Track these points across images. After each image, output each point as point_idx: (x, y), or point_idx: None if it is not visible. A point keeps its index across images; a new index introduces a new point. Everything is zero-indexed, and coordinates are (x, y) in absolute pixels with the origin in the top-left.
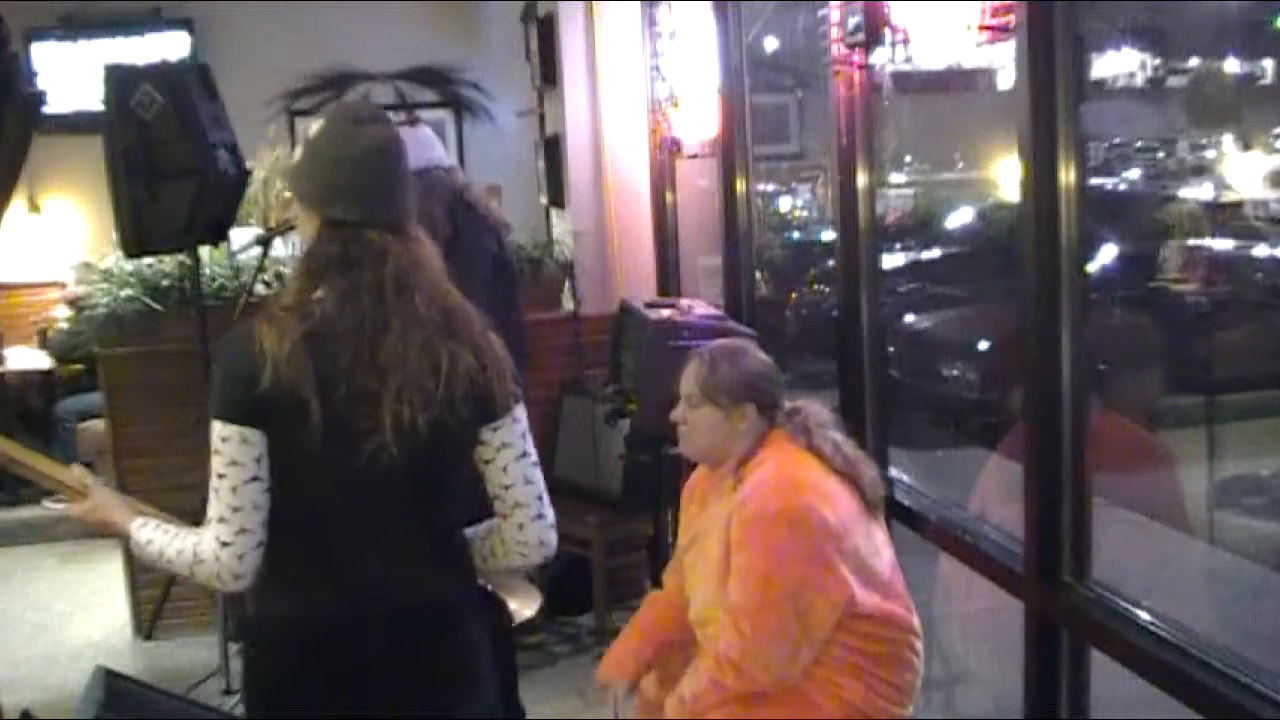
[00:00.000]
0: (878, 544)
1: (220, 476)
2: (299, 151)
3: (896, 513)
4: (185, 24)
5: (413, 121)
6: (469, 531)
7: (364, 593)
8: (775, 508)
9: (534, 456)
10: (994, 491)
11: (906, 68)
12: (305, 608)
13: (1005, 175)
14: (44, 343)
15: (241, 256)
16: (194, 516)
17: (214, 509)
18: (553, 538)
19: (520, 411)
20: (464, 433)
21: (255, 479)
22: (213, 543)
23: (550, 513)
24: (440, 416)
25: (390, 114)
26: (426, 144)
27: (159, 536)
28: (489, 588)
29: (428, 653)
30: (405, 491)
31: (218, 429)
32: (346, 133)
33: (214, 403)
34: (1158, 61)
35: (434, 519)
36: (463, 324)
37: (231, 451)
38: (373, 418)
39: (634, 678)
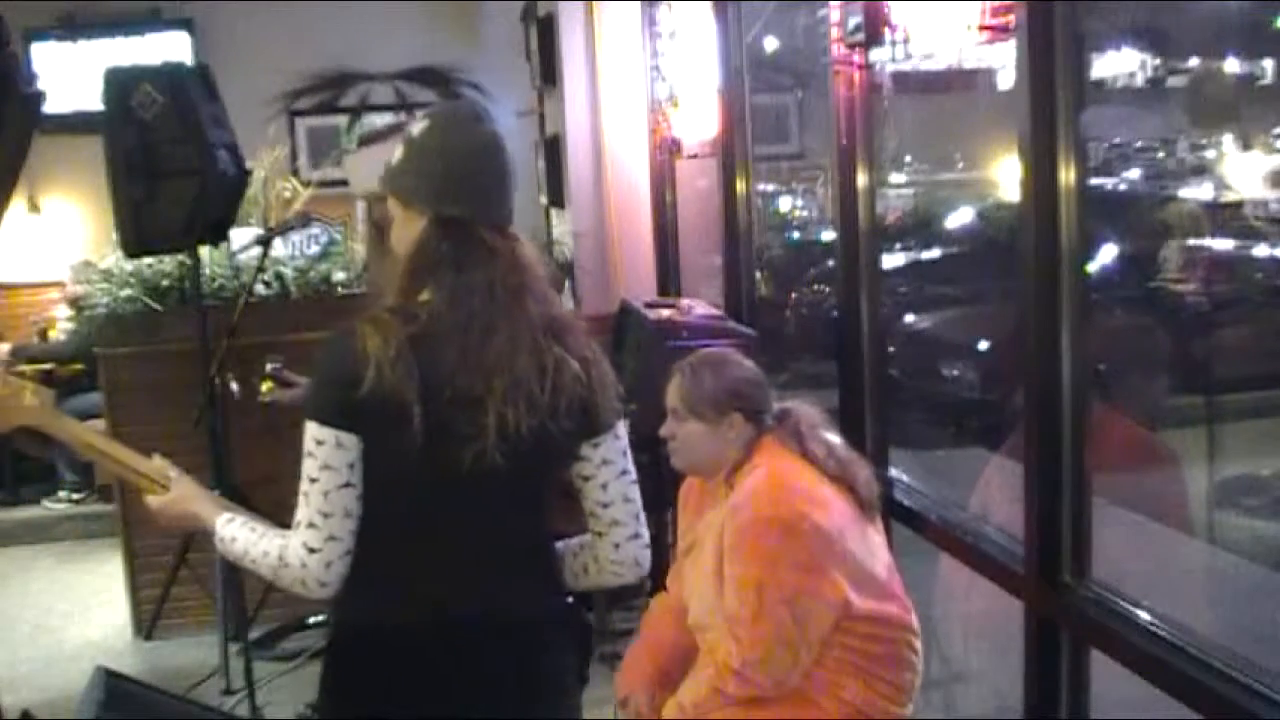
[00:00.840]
0: (873, 546)
1: (312, 481)
2: (400, 152)
3: (896, 513)
4: (185, 24)
5: (398, 128)
6: (559, 545)
7: (458, 602)
8: (767, 514)
9: (634, 474)
10: (996, 491)
11: (906, 68)
12: (396, 617)
13: (1005, 175)
14: (44, 343)
15: (241, 256)
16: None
17: (303, 513)
18: (648, 557)
19: (623, 428)
20: (566, 444)
21: (348, 485)
22: (300, 548)
23: (646, 532)
24: (544, 423)
25: (388, 116)
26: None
27: (245, 534)
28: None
29: (518, 665)
30: (504, 499)
31: (313, 431)
32: (463, 130)
33: (310, 405)
34: (1158, 61)
35: (530, 530)
36: (570, 332)
37: (326, 455)
38: (476, 422)
39: (652, 686)
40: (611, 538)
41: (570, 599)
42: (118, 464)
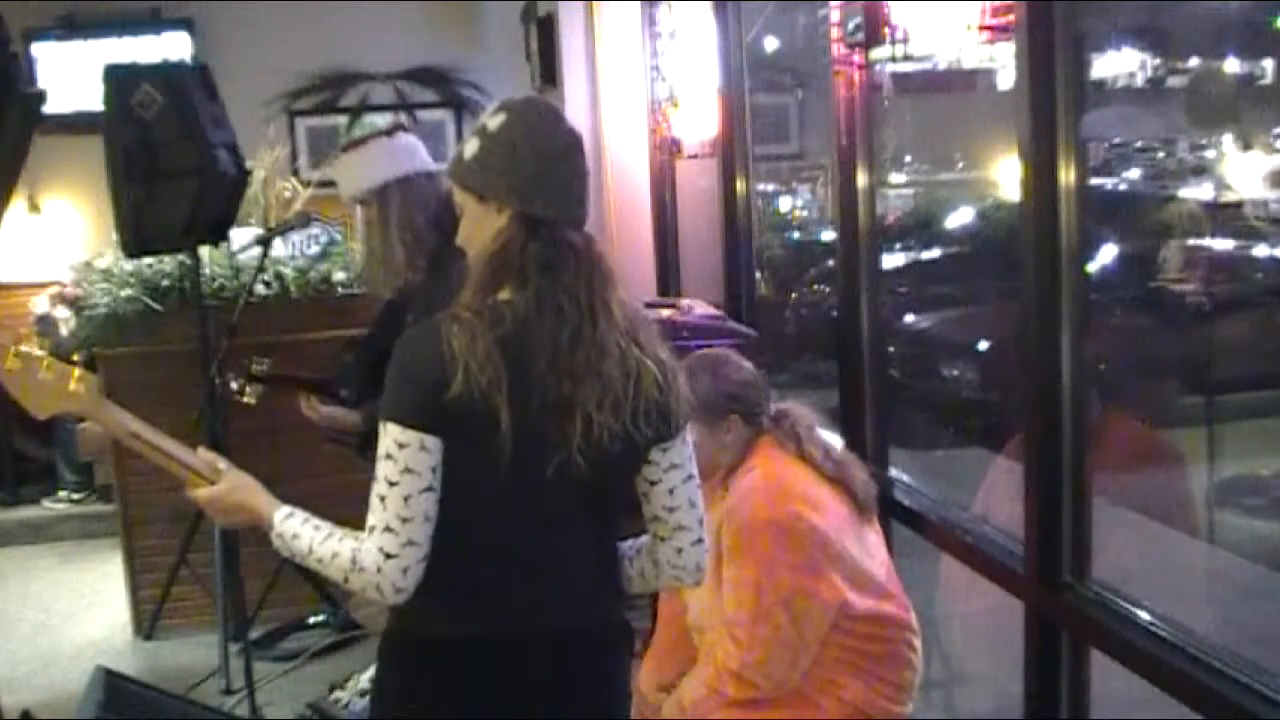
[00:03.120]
0: (870, 546)
1: (391, 484)
2: (475, 145)
3: (896, 513)
4: (185, 24)
5: (390, 131)
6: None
7: (534, 612)
8: (764, 516)
9: (698, 479)
10: (1000, 493)
11: (906, 68)
12: (470, 626)
13: (1005, 175)
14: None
15: (241, 256)
16: (194, 518)
17: (379, 517)
18: (708, 562)
19: (688, 432)
20: (643, 450)
21: (429, 489)
22: (375, 553)
23: (707, 536)
24: (626, 429)
25: (388, 116)
26: (408, 152)
27: (308, 531)
28: None
29: (591, 675)
30: (583, 506)
31: (394, 433)
32: (547, 126)
33: (390, 405)
34: (1158, 61)
35: (605, 539)
36: (647, 334)
37: (408, 458)
38: (563, 428)
39: (673, 683)
40: (675, 542)
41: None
42: (164, 456)
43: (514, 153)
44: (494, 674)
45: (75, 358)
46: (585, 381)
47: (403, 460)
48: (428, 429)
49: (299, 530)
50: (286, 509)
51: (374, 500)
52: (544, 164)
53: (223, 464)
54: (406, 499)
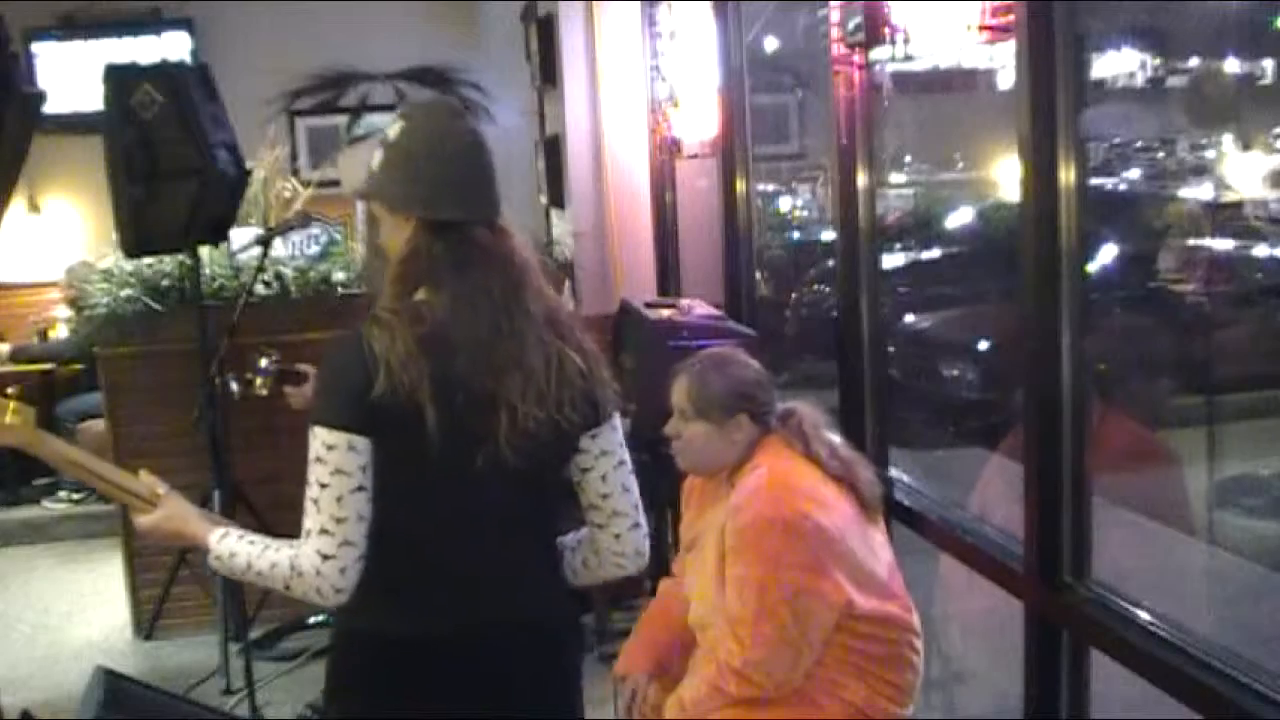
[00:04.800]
0: (875, 546)
1: (323, 486)
2: (379, 156)
3: (896, 513)
4: (185, 24)
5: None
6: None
7: (475, 605)
8: (769, 514)
9: (630, 464)
10: (996, 491)
11: (906, 68)
12: (411, 622)
13: (1005, 175)
14: (44, 342)
15: (241, 256)
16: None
17: (314, 520)
18: (648, 547)
19: (618, 419)
20: (572, 437)
21: (360, 489)
22: (313, 556)
23: (645, 521)
24: (551, 418)
25: (388, 116)
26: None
27: (245, 548)
28: None
29: (537, 667)
30: (518, 498)
31: (323, 436)
32: (440, 129)
33: (317, 409)
34: (1158, 61)
35: (541, 529)
36: (568, 325)
37: (337, 460)
38: (489, 420)
39: (652, 669)
40: (612, 528)
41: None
42: (105, 483)
43: (413, 161)
44: (440, 669)
45: (9, 390)
46: (507, 374)
47: (332, 462)
48: (355, 430)
49: (235, 548)
50: (221, 530)
51: (308, 504)
52: (443, 168)
53: (162, 488)
54: (339, 500)
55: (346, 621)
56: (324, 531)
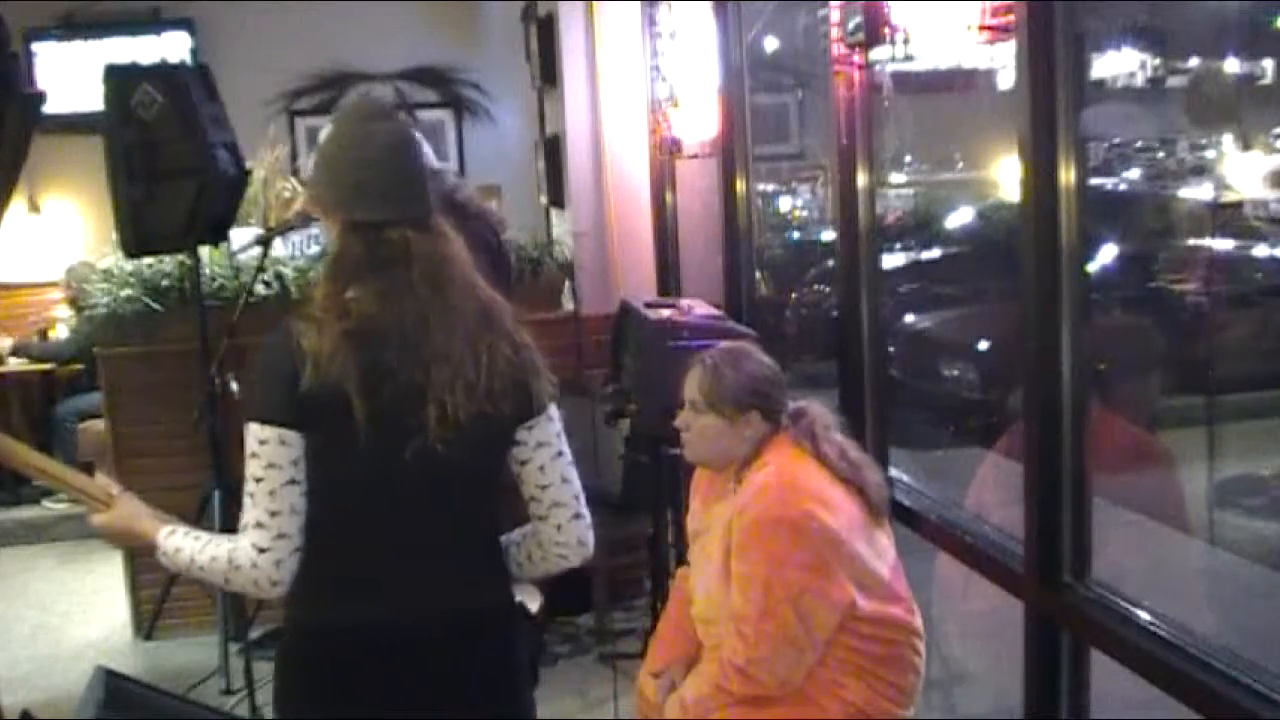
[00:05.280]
0: (880, 548)
1: (257, 480)
2: (312, 160)
3: (896, 512)
4: (185, 24)
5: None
6: (502, 538)
7: (409, 595)
8: (775, 514)
9: (569, 456)
10: (990, 490)
11: (906, 68)
12: (348, 612)
13: (1005, 175)
14: (44, 342)
15: (241, 256)
16: (193, 518)
17: (250, 514)
18: (591, 538)
19: (554, 410)
20: (505, 429)
21: (293, 482)
22: (249, 549)
23: (587, 512)
24: (483, 410)
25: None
26: None
27: (189, 543)
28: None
29: (476, 658)
30: (450, 490)
31: (255, 431)
32: (359, 132)
33: (250, 405)
34: (1158, 61)
35: (478, 521)
36: (499, 318)
37: (270, 454)
38: (417, 414)
39: (684, 658)
40: (554, 519)
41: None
42: (61, 484)
43: (334, 164)
44: (377, 657)
45: None
46: (434, 367)
47: (265, 456)
48: (285, 424)
49: (180, 544)
50: (169, 527)
51: (245, 499)
52: (362, 170)
53: (115, 489)
54: (272, 494)
55: (290, 610)
56: (259, 525)
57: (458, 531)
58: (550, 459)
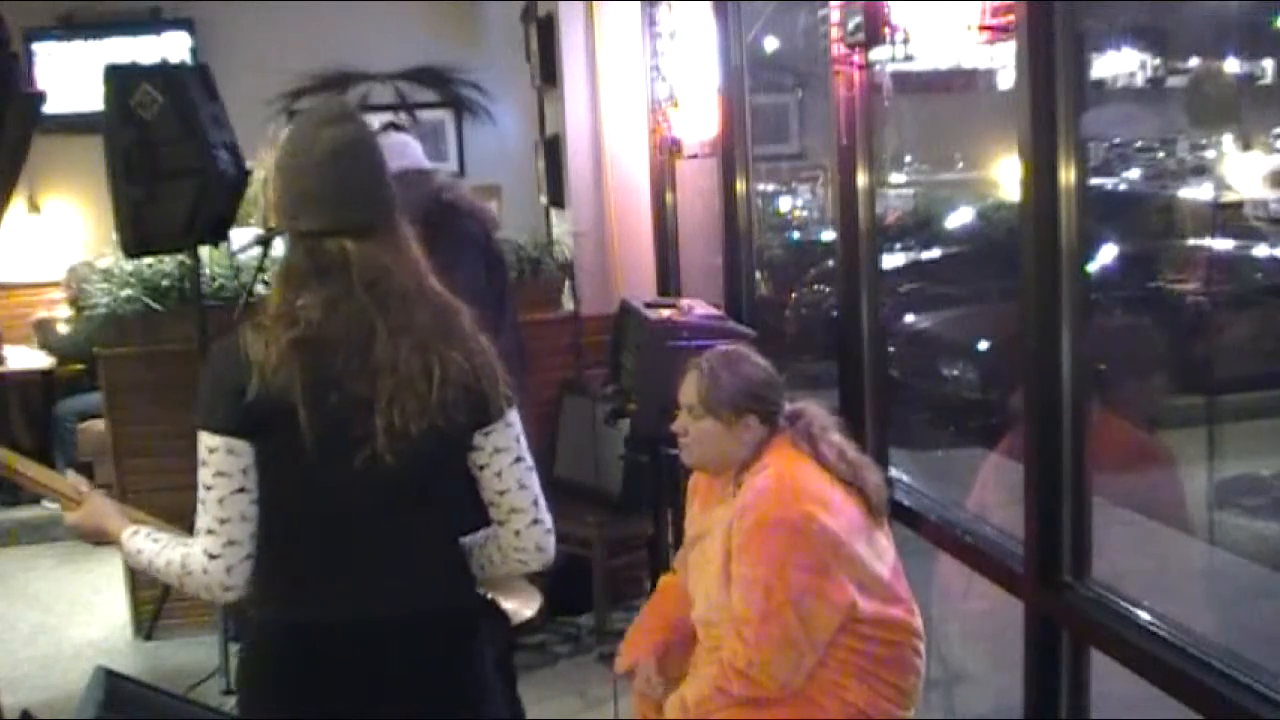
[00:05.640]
0: (880, 549)
1: (207, 488)
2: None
3: (896, 513)
4: (185, 24)
5: (386, 128)
6: (466, 540)
7: (364, 601)
8: (775, 516)
9: (529, 461)
10: (993, 491)
11: (906, 68)
12: (304, 616)
13: (1005, 175)
14: (44, 343)
15: (241, 256)
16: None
17: (202, 521)
18: (551, 543)
19: (514, 415)
20: (459, 438)
21: (242, 490)
22: (201, 555)
23: (548, 518)
24: (434, 422)
25: (388, 116)
26: (400, 151)
27: (148, 546)
28: (488, 595)
29: (430, 661)
30: (402, 498)
31: (205, 440)
32: (305, 139)
33: (199, 414)
34: (1158, 61)
35: (433, 526)
36: (454, 326)
37: (219, 463)
38: (365, 424)
39: (658, 653)
40: (512, 525)
41: (483, 592)
42: (33, 482)
43: (281, 171)
44: (332, 662)
45: None
46: (381, 377)
47: (214, 465)
48: (233, 433)
49: (141, 545)
50: (133, 528)
51: (198, 505)
52: (302, 179)
53: (84, 487)
54: (222, 501)
55: (250, 612)
56: (210, 531)
57: (412, 536)
58: (508, 465)
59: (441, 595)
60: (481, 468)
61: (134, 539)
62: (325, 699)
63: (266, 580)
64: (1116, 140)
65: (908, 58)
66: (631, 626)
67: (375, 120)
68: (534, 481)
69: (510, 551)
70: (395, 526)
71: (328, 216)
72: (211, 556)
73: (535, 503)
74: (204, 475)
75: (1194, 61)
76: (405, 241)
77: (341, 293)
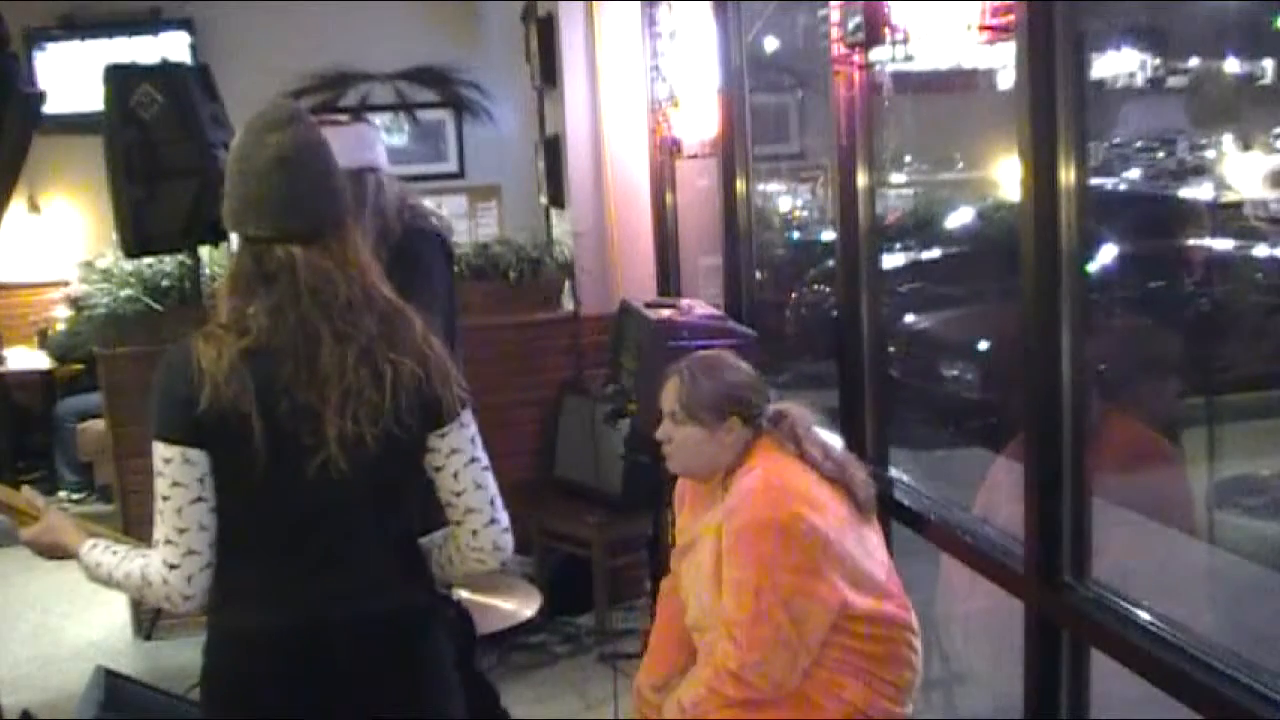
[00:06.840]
0: (870, 547)
1: (165, 499)
2: None
3: (896, 513)
4: (185, 24)
5: (356, 116)
6: (424, 540)
7: (322, 605)
8: (764, 517)
9: (485, 461)
10: (1002, 493)
11: (906, 68)
12: (263, 622)
13: (1005, 175)
14: (44, 343)
15: None
16: None
17: (160, 531)
18: (508, 541)
19: (468, 416)
20: (413, 441)
21: (200, 499)
22: (160, 566)
23: (504, 517)
24: (387, 427)
25: (388, 116)
26: (365, 143)
27: (108, 558)
28: (455, 596)
29: (387, 663)
30: (357, 503)
31: (160, 450)
32: (251, 144)
33: (154, 423)
34: (1158, 61)
35: (389, 529)
36: (404, 331)
37: (174, 473)
38: (317, 433)
39: (685, 670)
40: (469, 525)
41: (444, 592)
42: None
43: (230, 176)
44: (290, 664)
45: None
46: (329, 385)
47: (170, 475)
48: (188, 443)
49: (100, 558)
50: (91, 540)
51: (155, 515)
52: (248, 185)
53: (40, 502)
54: (179, 511)
55: (210, 622)
56: (169, 541)
57: (368, 539)
58: (463, 465)
59: (398, 596)
60: (438, 469)
61: (92, 552)
62: (285, 703)
63: (224, 587)
64: (1117, 140)
65: (908, 58)
66: (653, 637)
67: (378, 120)
68: (490, 481)
69: (467, 551)
70: (351, 530)
71: (273, 223)
72: (171, 566)
73: (491, 502)
74: (160, 485)
75: (1194, 61)
76: (354, 247)
77: (288, 300)
